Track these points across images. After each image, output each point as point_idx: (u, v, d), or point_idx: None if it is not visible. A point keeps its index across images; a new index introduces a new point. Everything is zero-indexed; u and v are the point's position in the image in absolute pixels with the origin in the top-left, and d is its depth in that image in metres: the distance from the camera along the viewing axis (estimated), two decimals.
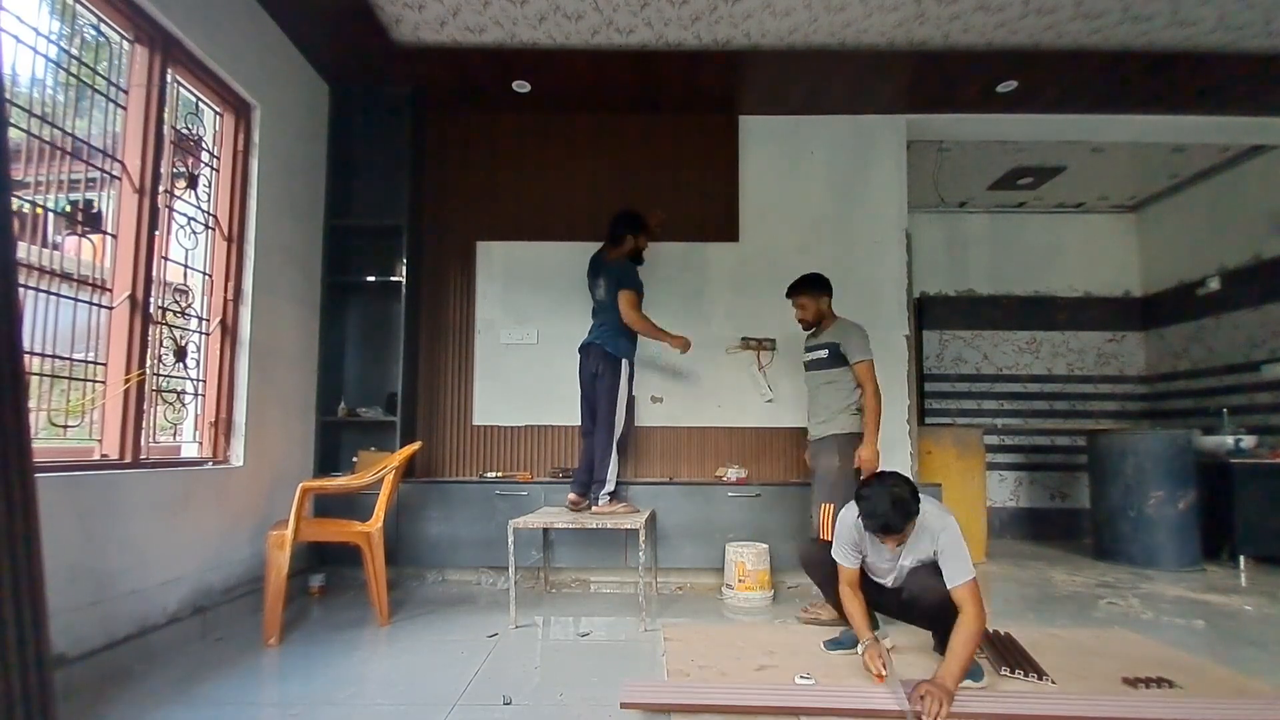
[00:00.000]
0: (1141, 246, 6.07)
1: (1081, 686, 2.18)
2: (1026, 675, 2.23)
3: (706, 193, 4.20)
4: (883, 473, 2.25)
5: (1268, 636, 2.88)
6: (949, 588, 2.11)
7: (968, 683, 2.12)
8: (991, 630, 2.64)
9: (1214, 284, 5.28)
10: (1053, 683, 2.19)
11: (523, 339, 4.12)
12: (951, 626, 2.08)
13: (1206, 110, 4.19)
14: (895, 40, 3.48)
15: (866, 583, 2.43)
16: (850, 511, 2.35)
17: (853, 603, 2.36)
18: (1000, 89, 3.91)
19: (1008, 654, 2.39)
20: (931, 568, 2.21)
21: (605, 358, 3.43)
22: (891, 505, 2.10)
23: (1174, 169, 5.30)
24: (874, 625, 2.52)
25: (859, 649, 2.29)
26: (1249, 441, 4.53)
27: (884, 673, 2.13)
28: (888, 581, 2.38)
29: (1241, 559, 4.31)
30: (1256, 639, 2.84)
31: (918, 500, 2.16)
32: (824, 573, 2.54)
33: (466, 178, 4.21)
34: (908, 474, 3.99)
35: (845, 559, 2.39)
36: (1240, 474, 4.37)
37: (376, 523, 2.99)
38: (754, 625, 3.05)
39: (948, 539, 2.15)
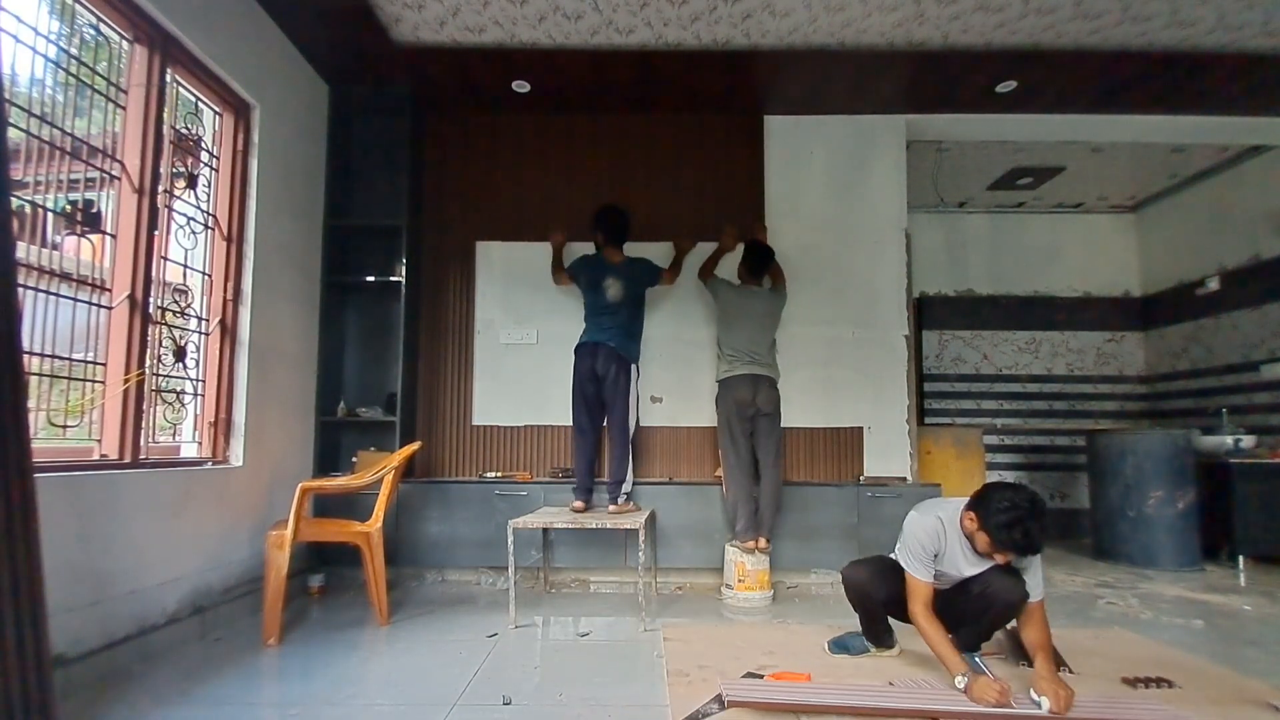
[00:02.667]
0: (1141, 246, 6.07)
1: (1081, 687, 2.17)
2: None
3: (706, 193, 4.20)
4: (1010, 485, 2.08)
5: (1267, 636, 2.88)
6: (1033, 599, 2.13)
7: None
8: (1014, 628, 2.67)
9: (1213, 284, 5.28)
10: (1071, 671, 2.28)
11: (522, 339, 4.12)
12: (1000, 622, 2.26)
13: (1206, 110, 4.19)
14: (895, 40, 3.48)
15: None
16: (928, 520, 2.20)
17: (934, 632, 2.12)
18: (1000, 89, 3.91)
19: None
20: (1013, 570, 2.16)
21: (619, 360, 3.47)
22: (1039, 524, 1.98)
23: (1173, 169, 5.30)
24: (891, 637, 2.50)
25: (958, 683, 2.01)
26: (1248, 441, 4.53)
27: (1008, 700, 1.93)
28: (940, 587, 2.28)
29: (1240, 559, 4.31)
30: (1256, 639, 2.84)
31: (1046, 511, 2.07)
32: (869, 606, 2.39)
33: (466, 178, 4.21)
34: (907, 475, 4.02)
35: (920, 571, 2.17)
36: (1239, 474, 4.37)
37: (376, 523, 2.99)
38: (753, 625, 3.05)
39: (1039, 558, 2.16)
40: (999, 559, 2.11)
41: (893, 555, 2.35)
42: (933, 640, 2.13)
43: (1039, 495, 2.07)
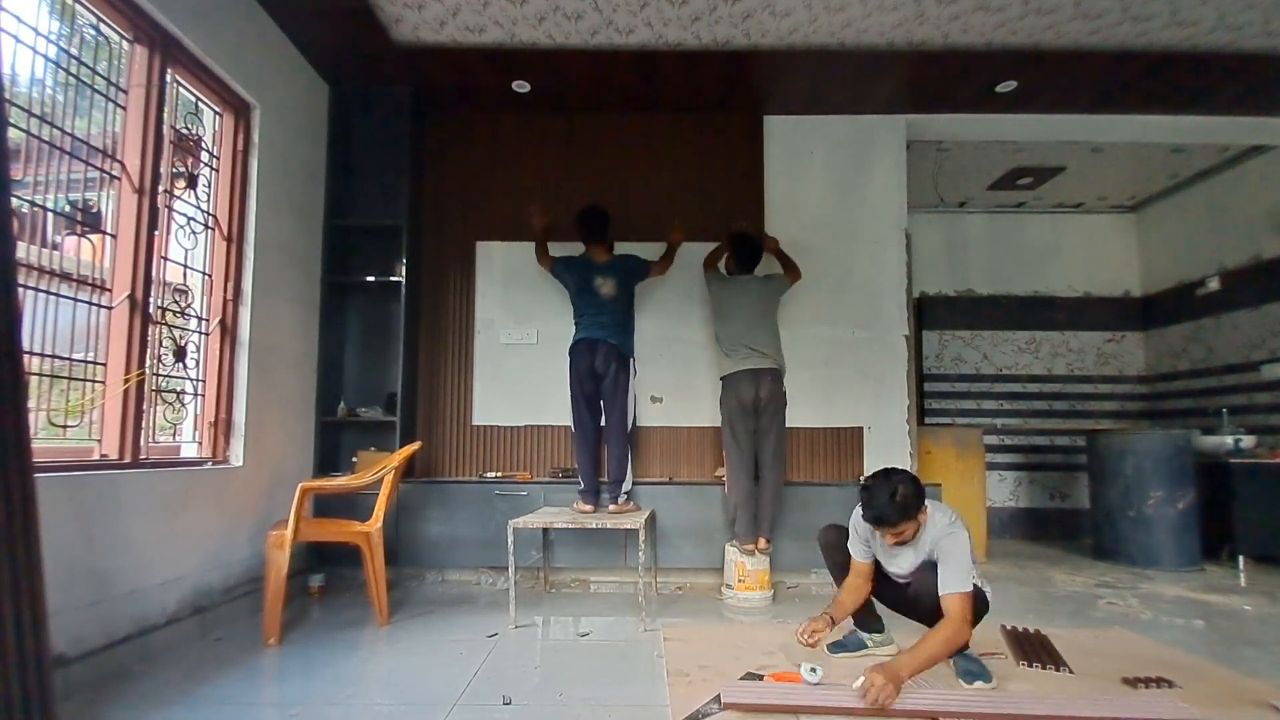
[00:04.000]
0: (1141, 246, 6.07)
1: (1081, 686, 2.18)
2: (1045, 666, 2.33)
3: (706, 193, 4.20)
4: (891, 469, 2.23)
5: (1267, 636, 2.88)
6: (940, 593, 2.10)
7: (978, 684, 2.13)
8: (1015, 628, 2.67)
9: (1214, 284, 5.27)
10: (1070, 672, 2.28)
11: (523, 339, 4.12)
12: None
13: (1206, 110, 4.19)
14: (895, 40, 3.48)
15: (880, 577, 2.43)
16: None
17: (851, 591, 2.39)
18: (1000, 89, 3.91)
19: (1031, 649, 2.47)
20: (931, 567, 2.21)
21: (619, 357, 3.47)
22: (889, 498, 2.11)
23: (1174, 169, 5.30)
24: (879, 625, 2.53)
25: (818, 614, 2.34)
26: (1248, 441, 4.53)
27: (811, 641, 2.26)
28: (900, 579, 2.38)
29: (1241, 559, 4.30)
30: (1256, 639, 2.84)
31: (921, 499, 2.16)
32: (835, 559, 2.55)
33: (466, 178, 4.21)
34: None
35: (857, 553, 2.40)
36: (1240, 474, 4.37)
37: (376, 523, 2.99)
38: (754, 625, 3.05)
39: (949, 545, 2.14)
40: (887, 539, 2.22)
41: None
42: (845, 596, 2.40)
43: (906, 476, 2.16)
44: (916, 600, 2.30)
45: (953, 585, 2.09)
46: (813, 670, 2.13)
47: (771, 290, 3.72)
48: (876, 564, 2.41)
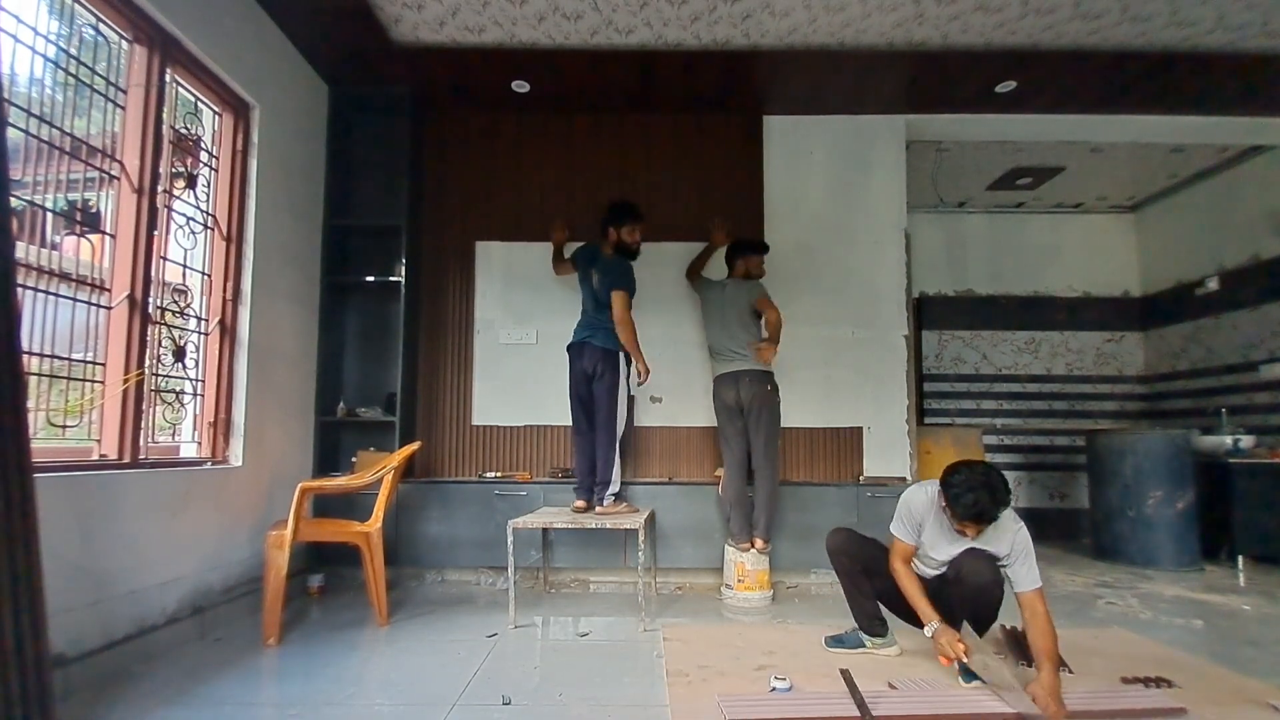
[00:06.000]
0: (1140, 246, 6.07)
1: (1080, 686, 2.18)
2: None
3: (706, 193, 4.20)
4: (971, 461, 2.18)
5: (1266, 636, 2.88)
6: (1019, 590, 2.12)
7: (976, 683, 2.13)
8: (1015, 628, 2.66)
9: (1213, 284, 5.28)
10: (1070, 671, 2.27)
11: (522, 339, 4.12)
12: (983, 611, 2.25)
13: (1206, 110, 4.19)
14: (894, 40, 3.48)
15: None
16: (920, 491, 2.32)
17: (909, 581, 2.29)
18: (999, 89, 3.91)
19: (1027, 649, 2.42)
20: (984, 554, 2.20)
21: (604, 356, 3.38)
22: (990, 494, 2.06)
23: (1173, 169, 5.30)
24: (883, 629, 2.51)
25: (927, 631, 2.19)
26: (1247, 441, 4.53)
27: (964, 656, 2.07)
28: (928, 573, 2.35)
29: (1240, 559, 4.31)
30: (1255, 639, 2.85)
31: (1009, 488, 2.13)
32: (846, 565, 2.48)
33: (466, 178, 4.21)
34: (907, 475, 4.02)
35: (902, 533, 2.34)
36: (1239, 474, 4.37)
37: (375, 523, 2.99)
38: (753, 625, 3.05)
39: (1022, 543, 2.15)
40: (968, 533, 2.17)
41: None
42: (907, 589, 2.29)
43: (996, 470, 2.15)
44: (957, 584, 2.23)
45: (1031, 582, 2.12)
46: (781, 679, 2.16)
47: (750, 292, 3.67)
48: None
